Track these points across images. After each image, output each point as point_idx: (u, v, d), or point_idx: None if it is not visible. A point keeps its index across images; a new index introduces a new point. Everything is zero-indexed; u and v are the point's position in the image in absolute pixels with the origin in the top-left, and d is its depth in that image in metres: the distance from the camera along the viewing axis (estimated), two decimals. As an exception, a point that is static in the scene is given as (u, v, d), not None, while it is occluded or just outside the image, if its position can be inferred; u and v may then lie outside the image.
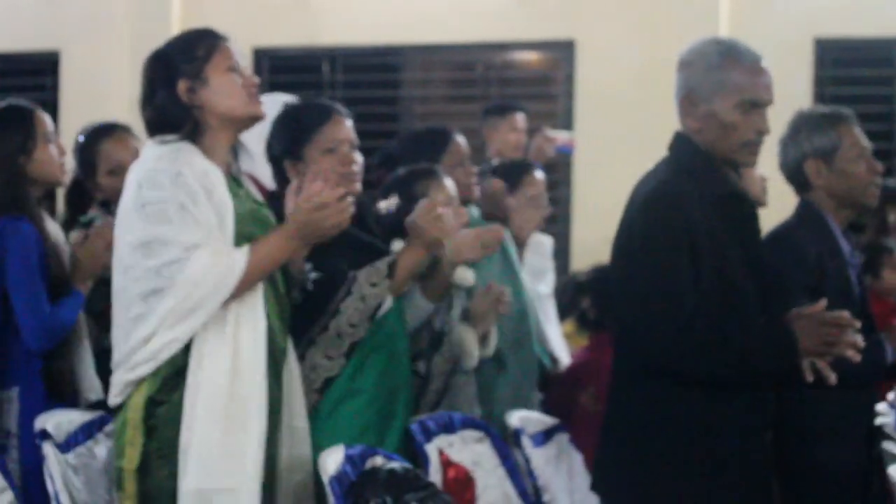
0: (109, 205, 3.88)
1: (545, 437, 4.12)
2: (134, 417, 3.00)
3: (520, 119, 6.10)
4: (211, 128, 3.10)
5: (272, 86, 6.91)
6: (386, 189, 3.82)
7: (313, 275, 3.30)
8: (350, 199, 3.08)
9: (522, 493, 3.73)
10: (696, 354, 2.94)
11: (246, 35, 6.87)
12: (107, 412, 3.33)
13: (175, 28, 7.43)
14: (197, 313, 2.96)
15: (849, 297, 3.51)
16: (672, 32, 6.68)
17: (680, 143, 3.16)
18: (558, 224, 6.96)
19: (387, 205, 3.71)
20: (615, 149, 6.98)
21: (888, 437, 3.58)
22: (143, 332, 2.96)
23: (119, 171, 3.73)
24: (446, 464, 3.51)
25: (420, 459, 3.44)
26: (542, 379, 4.78)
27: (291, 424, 3.19)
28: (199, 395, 2.96)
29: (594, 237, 6.82)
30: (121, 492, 3.01)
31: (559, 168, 7.10)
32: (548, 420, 4.24)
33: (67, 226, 4.16)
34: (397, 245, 3.65)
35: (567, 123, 7.16)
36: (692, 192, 3.03)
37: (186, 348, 2.99)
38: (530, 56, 7.59)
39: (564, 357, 5.17)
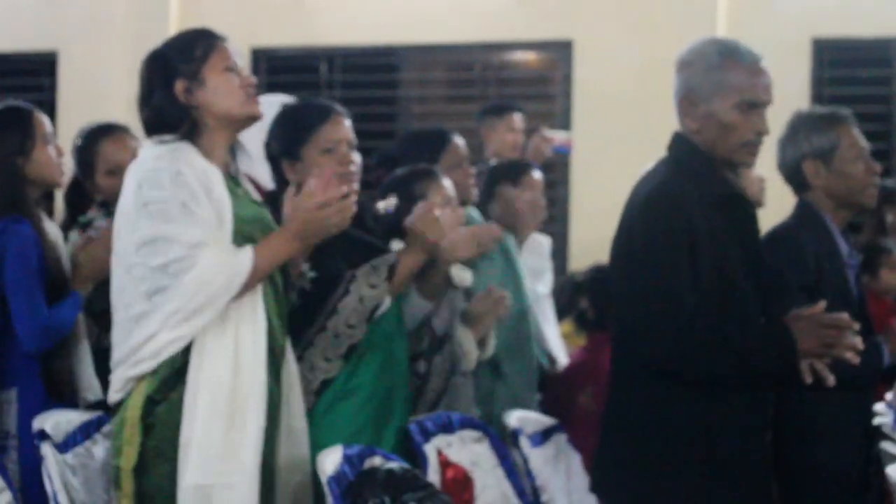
0: (108, 205, 3.88)
1: (543, 437, 4.12)
2: (132, 416, 3.00)
3: (517, 119, 6.10)
4: (208, 128, 3.10)
5: (270, 86, 6.91)
6: (384, 189, 3.82)
7: (311, 274, 3.30)
8: (353, 198, 3.08)
9: (521, 493, 3.73)
10: (696, 355, 2.95)
11: (244, 35, 6.88)
12: (105, 412, 3.33)
13: (173, 28, 7.43)
14: (203, 313, 2.96)
15: (846, 297, 3.51)
16: (670, 32, 6.69)
17: (679, 144, 3.16)
18: (556, 224, 6.96)
19: (385, 205, 3.71)
20: (613, 149, 6.99)
21: (886, 437, 3.58)
22: (146, 330, 2.96)
23: (118, 172, 3.73)
24: (445, 464, 3.51)
25: (418, 459, 3.44)
26: (541, 379, 4.79)
27: (290, 425, 3.19)
28: (200, 392, 2.96)
29: (592, 237, 6.82)
30: (118, 491, 3.01)
31: (557, 168, 7.10)
32: (546, 420, 4.24)
33: (66, 226, 4.16)
34: (395, 245, 3.65)
35: (565, 123, 7.16)
36: (692, 193, 3.03)
37: (186, 348, 2.99)
38: (528, 56, 7.59)
39: (562, 357, 5.17)
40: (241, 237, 3.06)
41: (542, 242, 5.25)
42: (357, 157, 3.53)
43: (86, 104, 7.40)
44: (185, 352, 2.99)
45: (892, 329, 3.72)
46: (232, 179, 3.16)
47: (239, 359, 3.01)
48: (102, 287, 3.47)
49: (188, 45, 3.13)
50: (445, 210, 3.70)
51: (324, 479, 3.07)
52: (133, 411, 3.00)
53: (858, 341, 2.94)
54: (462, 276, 3.85)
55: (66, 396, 3.59)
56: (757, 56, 3.14)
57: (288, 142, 3.51)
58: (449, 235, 3.55)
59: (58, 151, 3.74)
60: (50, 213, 4.00)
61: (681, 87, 3.15)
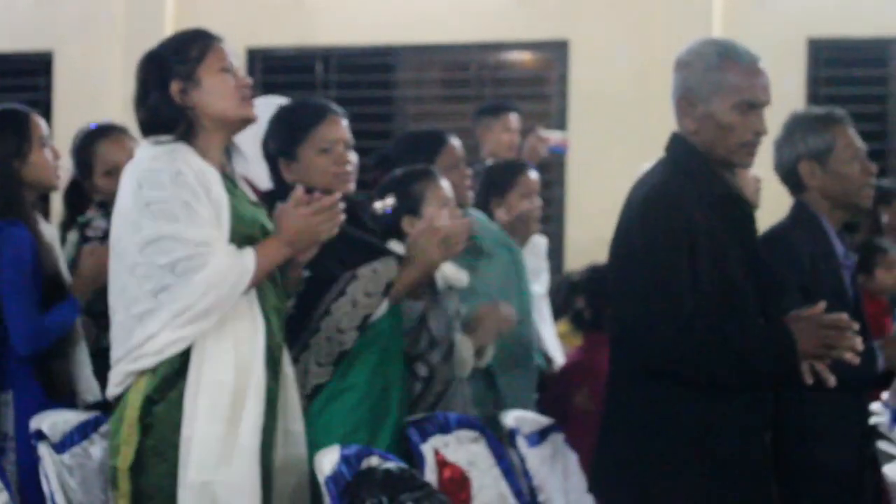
0: (107, 205, 3.88)
1: (540, 437, 4.12)
2: (130, 416, 2.99)
3: (513, 119, 6.10)
4: (204, 129, 3.10)
5: (266, 86, 6.92)
6: (383, 189, 3.82)
7: (305, 273, 3.30)
8: (341, 205, 3.08)
9: (518, 493, 3.73)
10: (696, 355, 2.94)
11: (240, 35, 6.88)
12: (103, 413, 3.32)
13: (169, 28, 7.43)
14: (210, 315, 2.97)
15: (842, 298, 3.51)
16: (666, 33, 6.71)
17: (677, 144, 3.17)
18: (552, 224, 6.96)
19: (383, 205, 3.71)
20: (609, 149, 7.00)
21: (883, 437, 3.59)
22: (150, 327, 2.96)
23: (116, 172, 3.72)
24: (442, 464, 3.51)
25: (416, 459, 3.45)
26: (538, 379, 4.79)
27: (287, 428, 3.19)
28: (201, 392, 2.96)
29: (588, 237, 6.85)
30: (115, 491, 3.01)
31: (553, 168, 7.11)
32: (543, 420, 4.24)
33: (65, 226, 4.16)
34: (393, 246, 3.65)
35: (560, 123, 7.17)
36: (690, 193, 3.03)
37: (185, 349, 2.99)
38: (524, 56, 7.60)
39: (559, 357, 5.17)
40: (240, 238, 3.06)
41: (538, 243, 5.25)
42: (353, 157, 3.53)
43: (81, 104, 7.41)
44: (185, 352, 2.99)
45: (888, 337, 3.73)
46: (229, 180, 3.16)
47: (239, 359, 3.01)
48: (102, 288, 3.47)
49: (184, 45, 3.12)
50: (444, 211, 3.70)
51: (321, 479, 3.07)
52: (131, 411, 3.00)
53: (858, 341, 2.95)
54: (457, 276, 3.85)
55: (64, 398, 3.59)
56: (755, 56, 3.14)
57: (284, 141, 3.51)
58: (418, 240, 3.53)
59: (54, 154, 3.73)
60: (46, 216, 4.01)
61: (679, 87, 3.15)
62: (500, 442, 3.83)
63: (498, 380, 4.27)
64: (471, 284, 3.99)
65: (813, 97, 6.88)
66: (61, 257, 3.75)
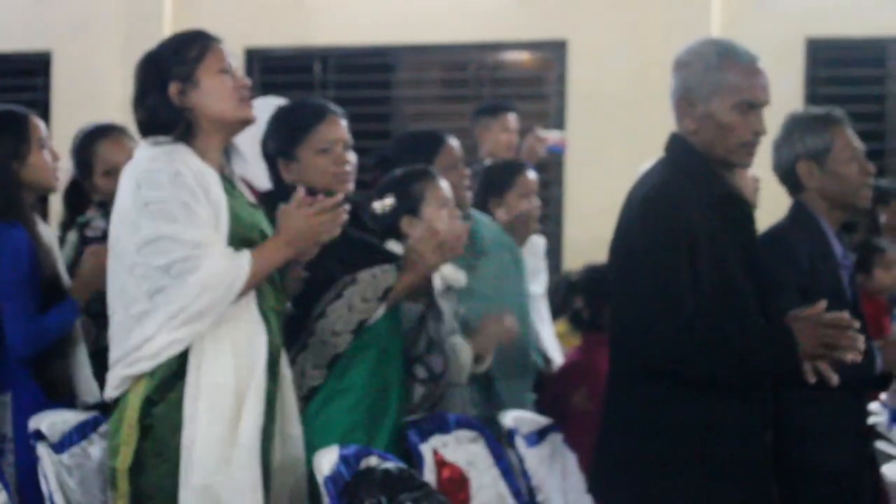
0: (107, 205, 3.88)
1: (539, 437, 4.12)
2: (130, 417, 2.99)
3: (512, 119, 6.10)
4: (203, 130, 3.10)
5: (264, 86, 6.92)
6: (382, 190, 3.82)
7: (304, 273, 3.30)
8: (346, 206, 3.08)
9: (516, 493, 3.73)
10: (696, 355, 2.94)
11: (238, 35, 6.86)
12: (102, 412, 3.32)
13: (167, 28, 7.43)
14: (205, 317, 2.96)
15: (840, 298, 3.52)
16: (664, 33, 6.71)
17: (676, 144, 3.17)
18: (550, 224, 6.97)
19: (382, 205, 3.71)
20: (607, 149, 7.00)
21: (881, 437, 3.60)
22: (147, 329, 2.96)
23: (115, 172, 3.72)
24: (441, 464, 3.51)
25: (414, 459, 3.45)
26: (536, 379, 4.79)
27: (284, 430, 3.18)
28: (201, 393, 2.96)
29: (586, 237, 6.85)
30: (114, 491, 3.01)
31: (551, 168, 7.11)
32: (541, 420, 4.24)
33: (65, 227, 4.16)
34: (392, 246, 3.65)
35: (559, 123, 7.17)
36: (690, 193, 3.03)
37: (183, 351, 2.98)
38: (522, 56, 7.60)
39: (557, 357, 5.17)
40: (237, 240, 3.06)
41: (536, 242, 5.25)
42: (353, 158, 3.54)
43: (80, 104, 7.41)
44: (183, 354, 2.99)
45: (887, 339, 3.73)
46: (227, 181, 3.16)
47: (238, 360, 3.01)
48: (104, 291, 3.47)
49: (183, 46, 3.12)
50: (442, 212, 3.71)
51: (320, 479, 3.07)
52: (131, 412, 3.00)
53: (860, 339, 2.94)
54: (456, 276, 3.85)
55: (63, 400, 3.58)
56: (754, 56, 3.14)
57: (284, 142, 3.51)
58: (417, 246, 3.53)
59: (53, 156, 3.74)
60: (44, 216, 4.01)
61: (678, 87, 3.15)
62: (499, 442, 3.83)
63: (496, 384, 4.27)
64: (469, 284, 3.99)
65: (811, 97, 6.89)
66: (60, 259, 3.75)
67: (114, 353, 3.04)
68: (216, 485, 2.94)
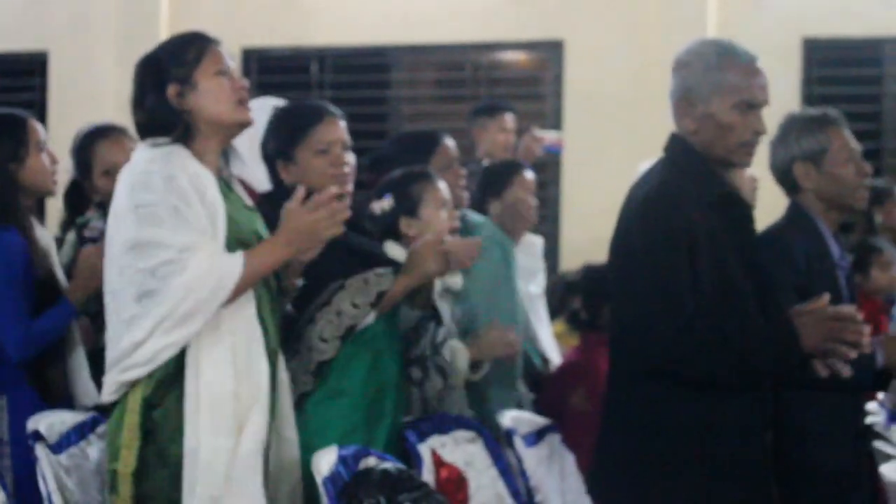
0: (106, 206, 3.87)
1: (537, 437, 4.13)
2: (130, 421, 2.99)
3: (509, 119, 6.10)
4: (201, 132, 3.09)
5: (261, 86, 6.92)
6: (380, 190, 3.82)
7: (299, 281, 3.30)
8: (346, 201, 3.07)
9: (515, 493, 3.73)
10: (696, 355, 2.94)
11: (235, 35, 6.88)
12: (100, 413, 3.32)
13: (163, 28, 7.43)
14: (193, 319, 2.94)
15: (838, 299, 3.52)
16: (661, 33, 6.72)
17: (675, 145, 3.17)
18: (547, 224, 6.97)
19: (381, 206, 3.72)
20: (604, 148, 7.01)
21: (879, 437, 3.59)
22: (137, 335, 2.95)
23: (114, 173, 3.71)
24: (439, 464, 3.51)
25: (413, 460, 3.45)
26: (534, 379, 4.79)
27: (280, 434, 3.17)
28: (202, 401, 2.95)
29: (583, 237, 6.85)
30: (115, 495, 3.00)
31: (548, 168, 7.11)
32: (540, 420, 4.24)
33: (65, 227, 4.16)
34: (390, 246, 3.66)
35: (556, 123, 7.18)
36: (690, 193, 3.03)
37: (179, 351, 2.98)
38: (519, 56, 7.60)
39: (555, 357, 5.17)
40: (234, 242, 3.05)
41: (534, 243, 5.25)
42: (351, 159, 3.54)
43: (76, 104, 7.41)
44: (180, 355, 2.98)
45: (886, 336, 3.73)
46: (225, 184, 3.15)
47: (237, 366, 3.00)
48: (99, 288, 3.47)
49: (181, 48, 3.11)
50: (441, 213, 3.71)
51: (319, 479, 3.07)
52: (131, 416, 2.99)
53: (866, 330, 2.94)
54: (452, 279, 3.85)
55: (60, 403, 3.58)
56: (754, 56, 3.14)
57: (282, 143, 3.51)
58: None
59: (51, 159, 3.74)
60: (41, 219, 4.00)
61: (678, 87, 3.15)
62: (498, 442, 3.84)
63: (484, 388, 4.26)
64: (463, 286, 4.00)
65: (808, 97, 6.90)
66: (56, 262, 3.75)
67: (109, 356, 3.04)
68: (223, 496, 2.94)
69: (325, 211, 3.00)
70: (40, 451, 3.21)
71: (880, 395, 3.71)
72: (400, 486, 3.05)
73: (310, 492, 3.17)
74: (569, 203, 7.26)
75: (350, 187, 3.53)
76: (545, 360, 5.06)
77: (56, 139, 4.03)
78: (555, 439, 4.22)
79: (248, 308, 3.05)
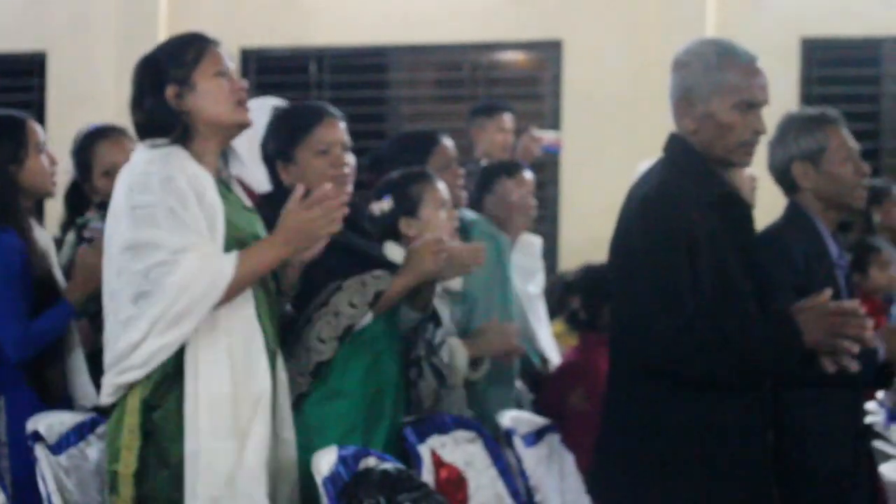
0: (106, 207, 3.88)
1: (536, 437, 4.13)
2: (130, 422, 2.99)
3: (507, 119, 6.10)
4: (200, 133, 3.09)
5: (259, 86, 6.92)
6: (380, 191, 3.83)
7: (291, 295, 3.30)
8: (343, 198, 3.04)
9: (514, 493, 3.73)
10: (696, 355, 2.93)
11: (233, 35, 6.89)
12: (99, 413, 3.32)
13: (162, 28, 7.43)
14: (187, 319, 2.94)
15: (837, 298, 3.51)
16: (659, 33, 6.72)
17: (675, 145, 3.17)
18: (545, 224, 6.97)
19: (380, 207, 3.72)
20: (602, 148, 7.01)
21: (878, 436, 3.60)
22: (132, 336, 2.95)
23: (114, 173, 3.71)
24: (438, 464, 3.51)
25: (413, 460, 3.45)
26: (534, 379, 4.79)
27: (279, 435, 3.16)
28: (200, 404, 2.95)
29: (582, 237, 6.86)
30: (115, 496, 3.00)
31: (546, 168, 7.11)
32: (539, 420, 4.24)
33: (66, 228, 4.16)
34: (390, 247, 3.66)
35: (554, 123, 7.18)
36: (690, 193, 3.03)
37: (178, 353, 2.97)
38: (517, 56, 7.61)
39: (555, 357, 5.17)
40: (234, 242, 3.04)
41: (533, 242, 5.25)
42: (351, 160, 3.54)
43: (75, 104, 7.41)
44: (178, 356, 2.98)
45: (886, 328, 3.73)
46: (224, 185, 3.15)
47: (235, 370, 2.99)
48: (98, 288, 3.47)
49: (179, 49, 3.11)
50: (440, 213, 3.71)
51: (319, 479, 3.07)
52: (131, 417, 2.99)
53: (869, 325, 2.93)
54: (452, 280, 3.85)
55: (58, 404, 3.58)
56: (753, 56, 3.15)
57: (282, 144, 3.52)
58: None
59: (51, 160, 3.74)
60: (39, 219, 4.01)
61: (677, 87, 3.15)
62: (497, 442, 3.84)
63: (480, 388, 4.26)
64: (463, 288, 4.01)
65: (806, 97, 6.90)
66: (56, 263, 3.75)
67: (106, 357, 3.03)
68: (224, 498, 2.94)
69: (320, 209, 2.98)
70: (40, 451, 3.21)
71: (880, 395, 3.72)
72: (400, 487, 3.05)
73: (309, 492, 3.17)
74: (567, 203, 7.26)
75: (350, 188, 3.53)
76: (544, 360, 5.06)
77: (55, 140, 4.03)
78: (554, 439, 4.22)
79: (246, 309, 3.05)
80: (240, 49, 7.45)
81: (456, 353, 3.85)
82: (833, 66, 7.07)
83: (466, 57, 7.53)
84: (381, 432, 3.46)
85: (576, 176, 7.20)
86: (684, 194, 3.03)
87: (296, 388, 3.35)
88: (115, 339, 3.00)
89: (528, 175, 4.90)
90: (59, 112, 7.55)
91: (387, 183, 3.85)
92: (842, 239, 3.83)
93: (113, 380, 3.01)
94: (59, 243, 4.02)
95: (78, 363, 3.71)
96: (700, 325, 2.94)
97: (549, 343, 5.22)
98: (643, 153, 3.80)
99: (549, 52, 7.37)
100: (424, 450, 3.49)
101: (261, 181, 3.73)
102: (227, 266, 2.96)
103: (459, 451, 3.63)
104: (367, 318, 3.41)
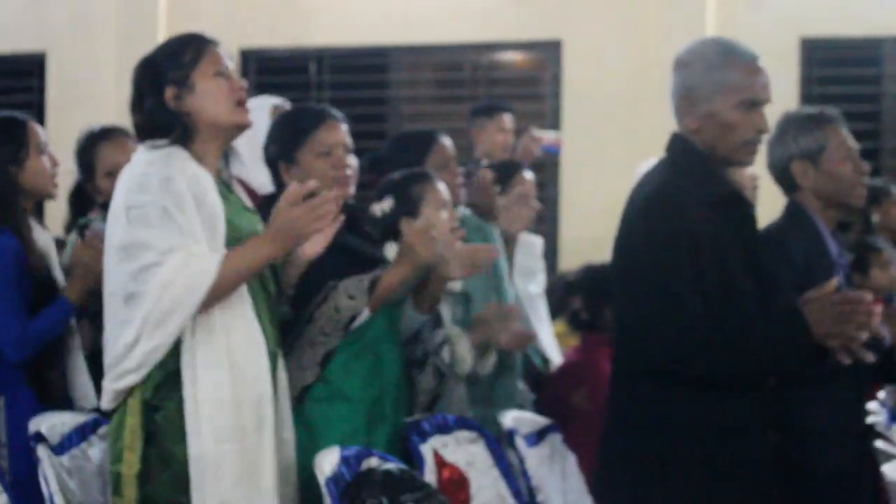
0: (108, 207, 3.90)
1: (538, 437, 4.12)
2: (132, 423, 2.98)
3: (507, 119, 6.11)
4: (200, 134, 3.08)
5: (259, 86, 6.93)
6: (380, 192, 3.83)
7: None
8: (330, 197, 2.99)
9: (516, 493, 3.73)
10: (698, 355, 2.93)
11: (233, 36, 6.89)
12: (101, 414, 3.32)
13: (162, 29, 7.44)
14: (172, 318, 2.92)
15: (837, 297, 3.52)
16: (659, 32, 6.73)
17: (677, 144, 3.17)
18: (546, 224, 6.97)
19: (381, 207, 3.72)
20: (602, 148, 7.02)
21: (881, 436, 3.61)
22: (127, 337, 2.95)
23: (117, 174, 3.72)
24: (441, 464, 3.51)
25: (415, 460, 3.45)
26: (535, 379, 4.79)
27: (279, 436, 3.16)
28: (201, 406, 2.95)
29: (582, 237, 6.87)
30: (118, 496, 2.99)
31: (546, 168, 7.12)
32: (541, 420, 4.24)
33: (69, 228, 4.17)
34: (391, 248, 3.66)
35: (554, 123, 7.19)
36: (692, 193, 3.03)
37: (176, 352, 2.97)
38: (517, 56, 7.61)
39: (556, 357, 5.18)
40: (235, 243, 3.03)
41: (534, 243, 5.26)
42: (353, 161, 3.54)
43: (74, 105, 7.41)
44: (177, 356, 2.97)
45: (891, 310, 3.73)
46: (224, 185, 3.15)
47: (235, 368, 2.99)
48: (98, 288, 3.47)
49: (178, 50, 3.11)
50: (441, 213, 3.71)
51: (322, 480, 3.06)
52: (132, 417, 2.99)
53: (877, 312, 2.91)
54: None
55: (58, 404, 3.58)
56: (755, 55, 3.14)
57: (284, 145, 3.52)
58: (445, 254, 3.53)
59: (52, 161, 3.75)
60: (40, 220, 4.01)
61: (679, 86, 3.14)
62: (499, 442, 3.84)
63: (494, 382, 4.26)
64: (463, 287, 4.01)
65: (806, 96, 6.91)
66: (56, 264, 3.75)
67: (106, 358, 3.03)
68: (234, 500, 2.94)
69: (304, 207, 2.95)
70: (42, 452, 3.21)
71: (881, 394, 3.72)
72: (402, 487, 3.05)
73: (311, 493, 3.17)
74: (568, 203, 7.26)
75: (352, 190, 3.54)
76: (546, 361, 5.06)
77: (55, 140, 4.03)
78: (556, 439, 4.22)
79: (244, 310, 3.04)
80: (240, 49, 7.46)
81: (458, 342, 3.84)
82: (833, 66, 7.08)
83: (466, 57, 7.54)
84: (383, 433, 3.46)
85: (576, 176, 7.20)
86: (687, 194, 3.03)
87: (301, 380, 3.35)
88: (114, 340, 3.00)
89: (528, 176, 4.91)
90: (59, 112, 7.56)
91: (387, 183, 3.85)
92: (841, 239, 3.84)
93: (111, 385, 3.01)
94: (63, 244, 4.03)
95: (78, 364, 3.71)
96: (702, 325, 2.94)
97: (551, 343, 5.23)
98: (643, 153, 3.81)
99: (549, 52, 7.38)
100: (427, 450, 3.49)
101: (263, 183, 3.74)
102: (210, 265, 2.93)
103: (461, 451, 3.63)
104: (367, 312, 3.41)
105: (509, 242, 4.77)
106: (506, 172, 4.85)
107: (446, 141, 4.34)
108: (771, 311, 3.08)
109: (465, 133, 6.07)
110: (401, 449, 3.46)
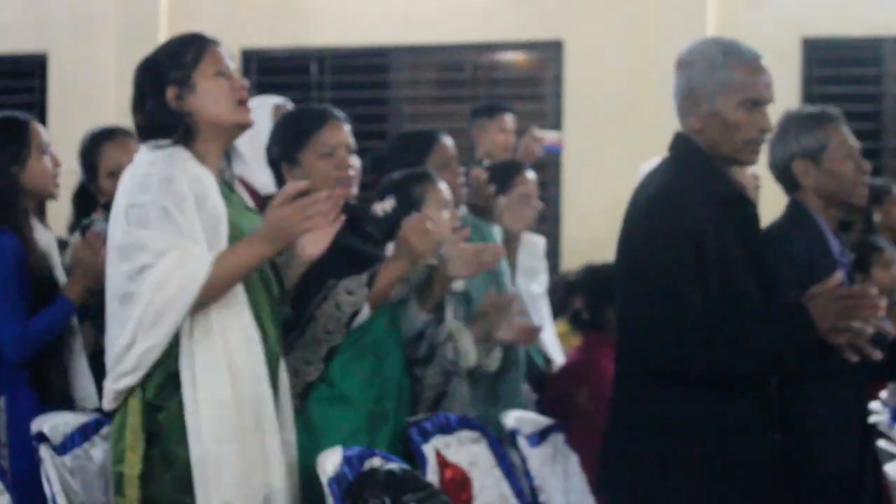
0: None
1: (541, 437, 4.12)
2: (134, 423, 2.98)
3: (508, 119, 6.11)
4: (201, 134, 3.08)
5: (260, 87, 6.92)
6: (382, 192, 3.83)
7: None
8: (321, 194, 2.96)
9: (519, 493, 3.73)
10: (702, 354, 2.93)
11: (234, 36, 6.89)
12: (103, 414, 3.32)
13: (163, 29, 7.44)
14: (166, 318, 2.91)
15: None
16: (660, 32, 6.73)
17: (680, 144, 3.17)
18: (547, 224, 6.97)
19: (383, 207, 3.72)
20: (603, 148, 7.02)
21: (883, 436, 3.61)
22: (124, 338, 2.94)
23: (119, 174, 3.74)
24: (443, 464, 3.51)
25: (417, 460, 3.45)
26: (538, 379, 4.79)
27: (282, 437, 3.16)
28: (201, 407, 2.94)
29: (583, 236, 6.87)
30: (121, 497, 2.99)
31: (548, 168, 7.12)
32: (543, 420, 4.24)
33: (73, 229, 4.17)
34: (392, 248, 3.66)
35: (555, 123, 7.19)
36: (696, 193, 3.03)
37: (177, 353, 2.96)
38: (519, 56, 7.61)
39: (558, 357, 5.18)
40: (234, 243, 3.04)
41: (536, 243, 5.26)
42: (356, 162, 3.54)
43: (76, 105, 7.42)
44: (176, 356, 2.97)
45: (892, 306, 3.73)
46: (226, 185, 3.15)
47: (233, 373, 2.98)
48: (99, 288, 3.47)
49: (179, 50, 3.10)
50: (443, 213, 3.71)
51: (324, 480, 3.07)
52: (134, 417, 2.98)
53: (881, 305, 2.90)
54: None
55: (59, 404, 3.58)
56: (758, 54, 3.15)
57: (287, 146, 3.52)
58: (450, 253, 3.52)
59: (54, 162, 3.75)
60: (41, 220, 4.01)
61: (682, 86, 3.15)
62: (501, 442, 3.84)
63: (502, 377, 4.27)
64: (465, 286, 4.01)
65: (807, 96, 6.91)
66: (58, 264, 3.75)
67: (107, 359, 3.03)
68: (237, 500, 2.94)
69: (294, 206, 2.94)
70: (44, 452, 3.22)
71: (883, 394, 3.72)
72: (404, 487, 3.06)
73: (313, 493, 3.17)
74: (569, 203, 7.26)
75: (355, 190, 3.54)
76: (548, 360, 5.06)
77: (56, 140, 4.03)
78: (558, 439, 4.22)
79: (242, 311, 3.03)
80: (240, 50, 7.46)
81: (461, 336, 3.84)
82: (834, 66, 7.08)
83: (467, 57, 7.54)
84: (385, 433, 3.47)
85: (577, 176, 7.21)
86: (690, 193, 3.03)
87: (305, 376, 3.35)
88: (114, 340, 3.00)
89: (530, 175, 4.90)
90: (60, 113, 7.56)
91: (388, 183, 3.86)
92: (843, 238, 3.84)
93: (111, 386, 3.00)
94: (66, 244, 4.03)
95: (80, 364, 3.72)
96: (704, 325, 2.93)
97: (553, 343, 5.23)
98: (644, 153, 3.80)
99: (549, 53, 7.38)
100: (429, 450, 3.49)
101: (266, 184, 3.74)
102: (202, 265, 2.92)
103: (464, 451, 3.63)
104: (367, 309, 3.41)
105: (512, 242, 4.77)
106: (507, 172, 4.85)
107: (447, 141, 4.34)
108: (774, 306, 3.08)
109: (466, 133, 6.07)
110: (403, 449, 3.46)
